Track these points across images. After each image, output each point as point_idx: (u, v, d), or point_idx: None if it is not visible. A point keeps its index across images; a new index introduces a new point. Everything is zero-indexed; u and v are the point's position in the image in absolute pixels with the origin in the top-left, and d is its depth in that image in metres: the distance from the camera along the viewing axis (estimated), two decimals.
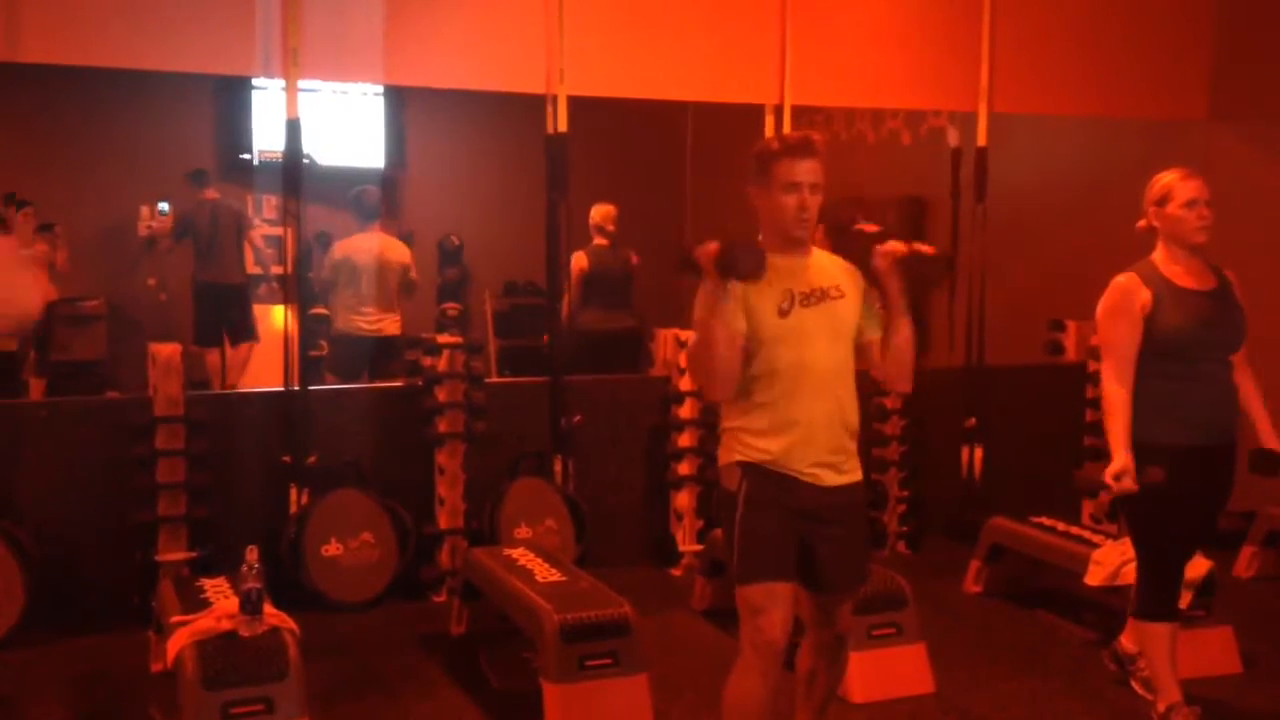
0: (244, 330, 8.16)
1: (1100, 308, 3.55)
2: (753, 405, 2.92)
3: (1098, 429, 5.95)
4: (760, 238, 2.97)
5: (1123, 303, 3.49)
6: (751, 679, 2.87)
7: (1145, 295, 3.47)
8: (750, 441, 2.92)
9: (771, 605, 2.85)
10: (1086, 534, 4.77)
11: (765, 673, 2.86)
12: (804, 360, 2.89)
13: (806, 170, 2.89)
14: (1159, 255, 3.54)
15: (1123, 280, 3.52)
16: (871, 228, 3.30)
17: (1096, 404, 6.05)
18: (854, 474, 3.00)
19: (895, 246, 2.96)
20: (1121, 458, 3.43)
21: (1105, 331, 3.53)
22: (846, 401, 2.97)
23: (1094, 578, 4.40)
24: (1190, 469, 3.45)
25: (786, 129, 5.55)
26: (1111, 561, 4.35)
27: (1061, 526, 4.88)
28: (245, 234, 8.19)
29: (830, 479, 2.94)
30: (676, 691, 4.01)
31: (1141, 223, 3.59)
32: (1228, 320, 3.51)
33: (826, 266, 3.00)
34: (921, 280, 3.09)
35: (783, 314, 2.88)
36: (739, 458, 2.93)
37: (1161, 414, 3.46)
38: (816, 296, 2.93)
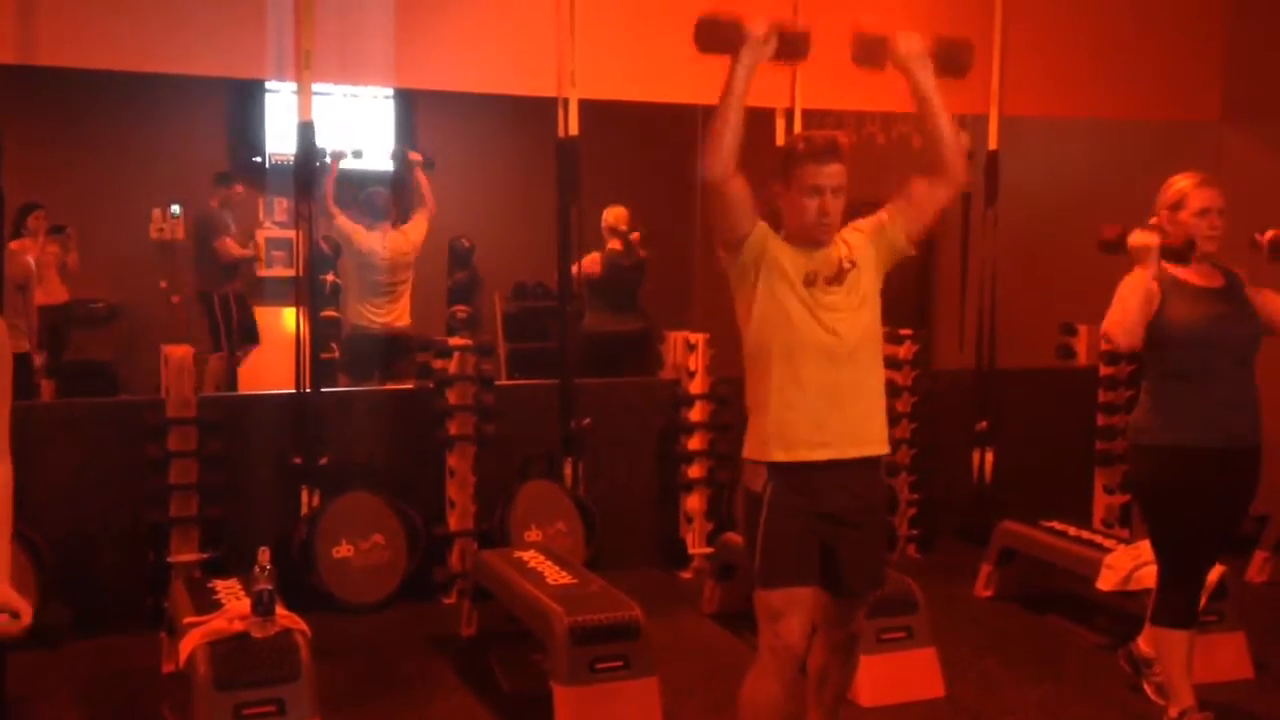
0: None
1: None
2: (779, 393, 2.88)
3: (1110, 433, 5.96)
4: (782, 233, 2.96)
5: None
6: (769, 683, 2.87)
7: (1154, 288, 3.43)
8: (776, 439, 2.88)
9: (792, 610, 2.84)
10: (1098, 538, 4.76)
11: (783, 677, 2.86)
12: (829, 338, 2.87)
13: (829, 174, 2.87)
14: None
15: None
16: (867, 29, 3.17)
17: (1108, 408, 6.03)
18: (879, 446, 2.95)
19: (915, 37, 2.96)
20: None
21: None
22: (874, 372, 2.95)
23: (1106, 583, 4.38)
24: (1206, 472, 3.41)
25: (799, 132, 5.54)
26: (1124, 567, 4.33)
27: (1073, 531, 4.86)
28: (207, 240, 7.99)
29: (853, 451, 2.89)
30: (686, 694, 4.01)
31: (1154, 220, 3.56)
32: (1239, 315, 3.47)
33: (840, 246, 2.97)
34: (952, 68, 3.04)
35: (809, 284, 2.87)
36: (765, 458, 2.90)
37: (1173, 415, 3.43)
38: (838, 276, 2.92)
